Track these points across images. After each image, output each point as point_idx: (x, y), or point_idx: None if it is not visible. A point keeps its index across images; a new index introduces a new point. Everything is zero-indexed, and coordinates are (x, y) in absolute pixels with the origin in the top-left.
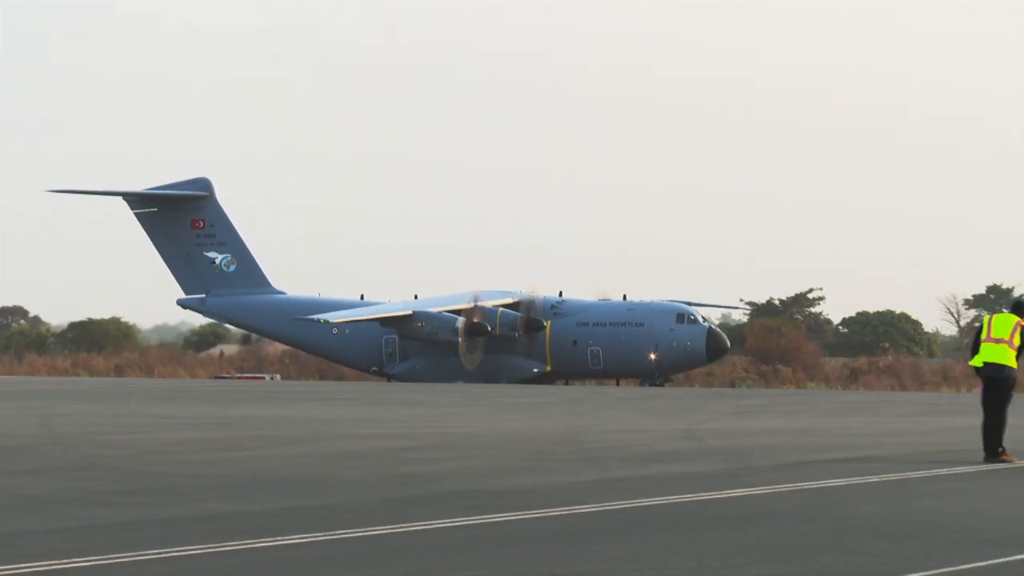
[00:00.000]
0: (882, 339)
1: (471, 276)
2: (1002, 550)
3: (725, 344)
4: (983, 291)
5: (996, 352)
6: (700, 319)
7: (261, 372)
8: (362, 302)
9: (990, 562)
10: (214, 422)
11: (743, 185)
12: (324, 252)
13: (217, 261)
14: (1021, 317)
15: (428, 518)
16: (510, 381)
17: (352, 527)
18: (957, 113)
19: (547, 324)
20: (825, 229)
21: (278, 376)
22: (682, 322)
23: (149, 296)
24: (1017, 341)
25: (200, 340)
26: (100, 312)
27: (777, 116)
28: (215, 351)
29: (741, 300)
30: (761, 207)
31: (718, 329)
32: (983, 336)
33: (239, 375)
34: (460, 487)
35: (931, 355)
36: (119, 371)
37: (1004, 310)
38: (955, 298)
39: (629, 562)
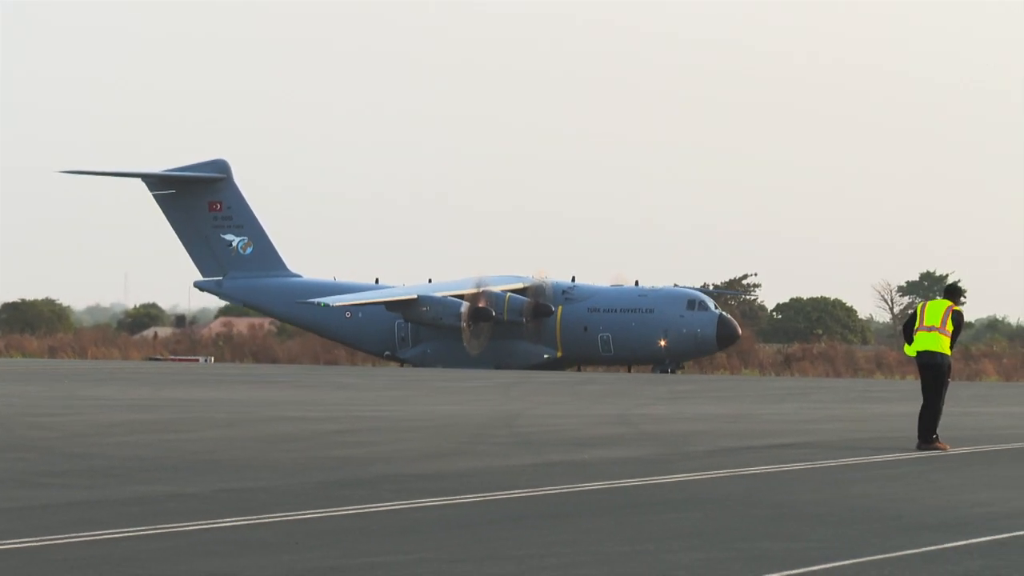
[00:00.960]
0: (816, 325)
1: (490, 261)
2: (939, 536)
3: (736, 331)
4: (916, 278)
5: (929, 340)
6: (712, 306)
7: (195, 355)
8: (375, 286)
9: (927, 548)
10: (148, 404)
11: (678, 170)
12: (341, 236)
13: (234, 244)
14: (954, 302)
15: (361, 502)
16: (520, 367)
17: (286, 510)
18: (892, 101)
19: (558, 309)
20: (760, 215)
21: (212, 359)
22: (693, 309)
23: (85, 275)
24: (949, 327)
25: (134, 322)
26: (34, 293)
27: (711, 100)
28: (149, 333)
29: (676, 285)
30: (696, 191)
31: (729, 316)
32: (916, 324)
33: (173, 357)
34: (394, 471)
35: (865, 342)
36: (52, 352)
37: (938, 296)
38: (889, 285)
39: (565, 546)
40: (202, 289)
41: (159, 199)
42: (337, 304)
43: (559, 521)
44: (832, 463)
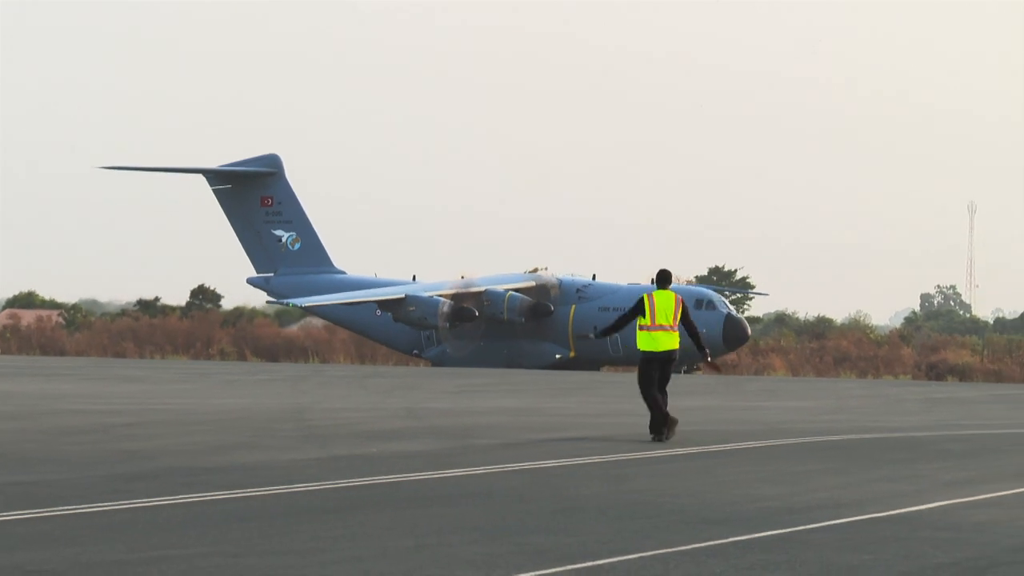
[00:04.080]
0: None
1: (533, 258)
2: (721, 531)
3: (745, 331)
4: (705, 272)
5: (668, 339)
6: (720, 305)
7: None
8: (403, 282)
9: (709, 543)
10: None
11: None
12: (388, 232)
13: (283, 239)
14: (667, 284)
15: (148, 495)
16: (533, 367)
17: (72, 503)
18: (685, 94)
19: (571, 309)
20: (553, 205)
21: None
22: (700, 308)
23: None
24: (677, 320)
25: None
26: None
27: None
28: None
29: (690, 283)
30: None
31: (739, 316)
32: (647, 322)
33: None
34: (180, 464)
35: None
36: None
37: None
38: (678, 279)
39: (348, 540)
40: (254, 286)
41: (217, 194)
42: (307, 304)
43: (343, 515)
44: (614, 457)
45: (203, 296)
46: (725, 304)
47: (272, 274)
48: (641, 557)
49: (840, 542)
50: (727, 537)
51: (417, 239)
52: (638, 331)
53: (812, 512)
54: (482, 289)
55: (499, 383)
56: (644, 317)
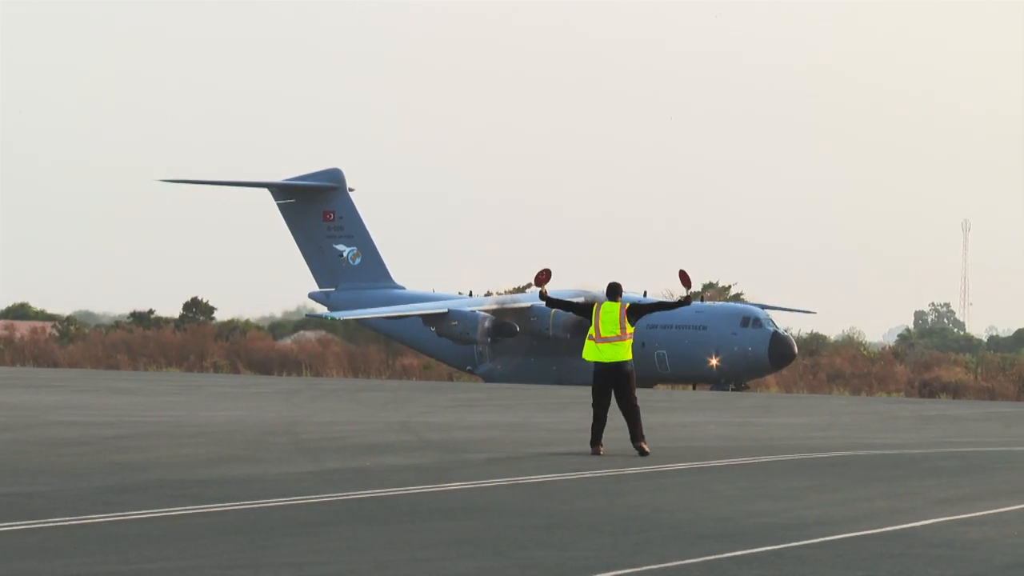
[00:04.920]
0: None
1: (593, 272)
2: (717, 546)
3: (792, 350)
4: (699, 288)
5: (613, 351)
6: (767, 323)
7: None
8: (458, 298)
9: (705, 558)
10: None
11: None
12: (449, 247)
13: (344, 254)
14: (616, 296)
15: (140, 507)
16: (582, 384)
17: (63, 515)
18: (657, 102)
19: None
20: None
21: None
22: (746, 326)
23: None
24: (630, 329)
25: None
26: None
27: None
28: None
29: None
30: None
31: (785, 334)
32: (593, 332)
33: None
34: (172, 476)
35: None
36: None
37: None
38: (671, 294)
39: (344, 553)
40: (315, 300)
41: (282, 208)
42: (346, 318)
43: (337, 528)
44: (609, 472)
45: (196, 309)
46: (771, 322)
47: (333, 289)
48: (635, 572)
49: (834, 558)
50: (722, 552)
51: (479, 254)
52: (586, 341)
53: (806, 528)
54: (527, 305)
55: (492, 398)
56: (591, 328)
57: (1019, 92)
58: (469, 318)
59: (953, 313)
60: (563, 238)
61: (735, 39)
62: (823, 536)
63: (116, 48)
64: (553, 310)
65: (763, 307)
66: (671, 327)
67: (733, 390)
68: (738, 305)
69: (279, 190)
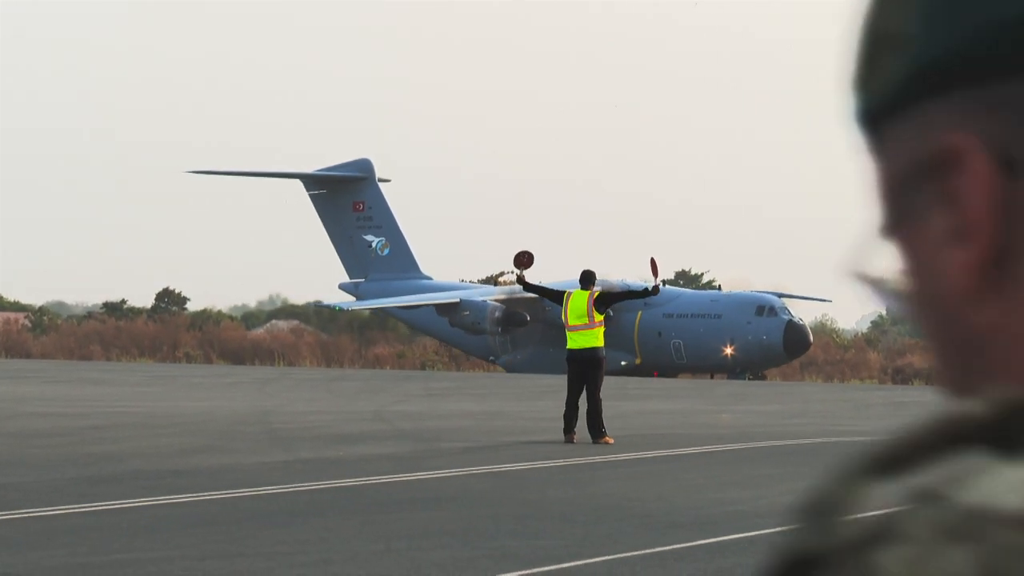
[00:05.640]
0: None
1: (623, 262)
2: (689, 534)
3: (807, 339)
4: (672, 276)
5: (582, 338)
6: (781, 312)
7: None
8: (475, 286)
9: (677, 546)
10: None
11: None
12: (475, 236)
13: (373, 244)
14: (587, 285)
15: (114, 498)
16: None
17: (36, 506)
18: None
19: (637, 315)
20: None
21: None
22: (761, 315)
23: None
24: (598, 317)
25: None
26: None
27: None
28: None
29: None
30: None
31: (800, 323)
32: (563, 320)
33: None
34: (146, 467)
35: None
36: None
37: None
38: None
39: (316, 543)
40: (345, 291)
41: (313, 199)
42: (355, 308)
43: (310, 518)
44: (581, 461)
45: (169, 299)
46: (787, 310)
47: (363, 280)
48: (607, 560)
49: None
50: (694, 540)
51: (510, 244)
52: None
53: (779, 515)
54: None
55: (465, 387)
56: (561, 315)
57: None
58: (480, 308)
59: None
60: (606, 224)
61: (715, 16)
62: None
63: (115, 46)
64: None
65: (780, 295)
66: (687, 316)
67: (750, 379)
68: (754, 293)
69: (311, 181)
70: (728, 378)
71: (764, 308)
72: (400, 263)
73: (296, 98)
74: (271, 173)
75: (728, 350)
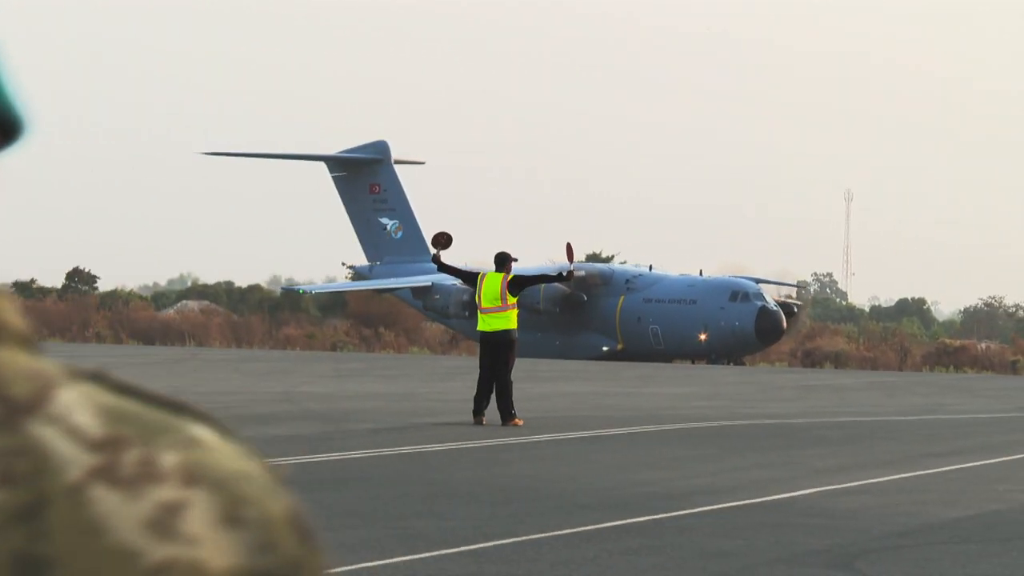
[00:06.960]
0: None
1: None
2: (598, 516)
3: (780, 325)
4: (583, 259)
5: (494, 321)
6: (755, 297)
7: None
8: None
9: (586, 527)
10: None
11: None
12: (486, 216)
13: (388, 227)
14: (506, 271)
15: None
16: (582, 358)
17: None
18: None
19: (619, 300)
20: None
21: None
22: (735, 300)
23: None
24: (511, 300)
25: None
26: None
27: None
28: None
29: (343, 264)
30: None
31: (775, 309)
32: (477, 302)
33: None
34: None
35: None
36: None
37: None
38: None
39: None
40: (360, 274)
41: (336, 181)
42: (316, 292)
43: None
44: (492, 442)
45: (79, 278)
46: (761, 296)
47: (379, 263)
48: (515, 542)
49: (714, 527)
50: (603, 522)
51: (524, 229)
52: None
53: (688, 498)
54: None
55: (375, 367)
56: (475, 297)
57: (906, 64)
58: (447, 292)
59: (836, 283)
60: (611, 211)
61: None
62: (704, 505)
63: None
64: (543, 285)
65: (757, 281)
66: (664, 302)
67: (729, 364)
68: (731, 279)
69: (333, 163)
70: (707, 364)
71: (738, 294)
72: (411, 247)
73: (313, 82)
74: (292, 155)
75: (703, 336)
